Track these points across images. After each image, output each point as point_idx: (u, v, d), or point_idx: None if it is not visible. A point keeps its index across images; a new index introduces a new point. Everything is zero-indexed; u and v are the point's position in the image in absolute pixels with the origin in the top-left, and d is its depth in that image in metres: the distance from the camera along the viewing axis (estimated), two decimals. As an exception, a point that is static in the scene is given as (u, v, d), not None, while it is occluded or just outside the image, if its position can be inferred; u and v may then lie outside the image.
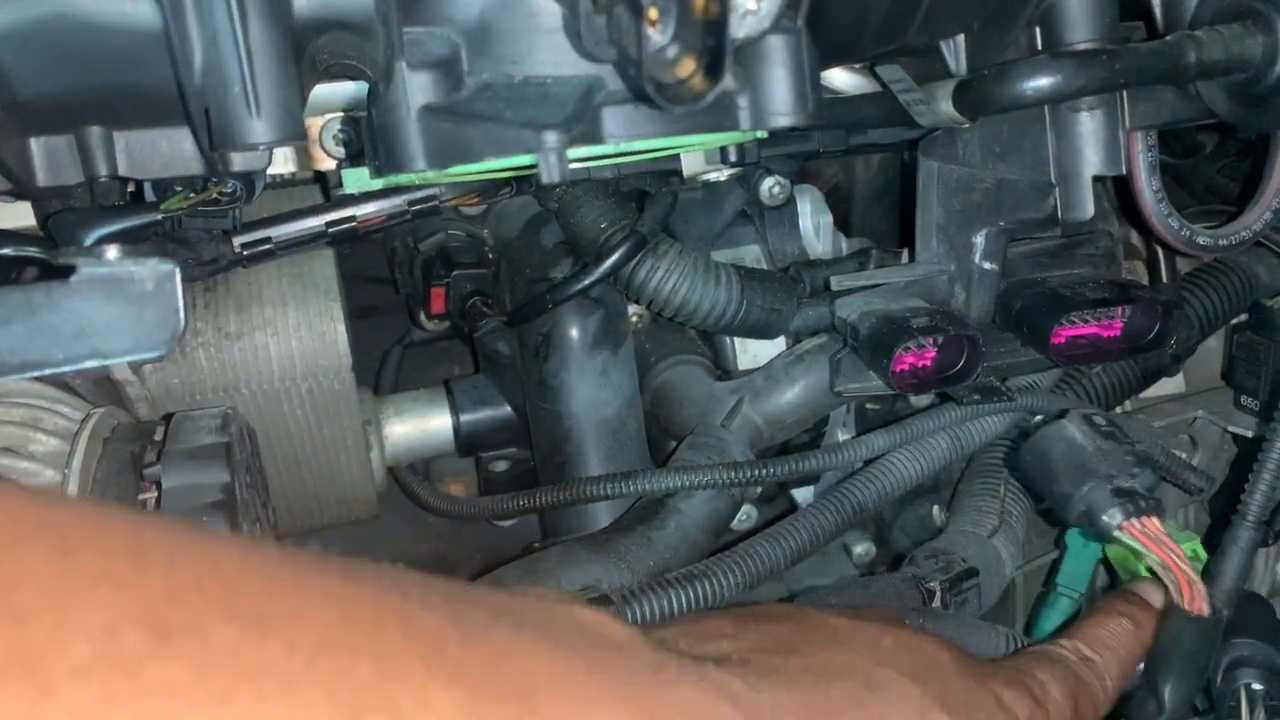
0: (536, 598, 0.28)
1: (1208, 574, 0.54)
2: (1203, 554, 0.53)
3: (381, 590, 0.23)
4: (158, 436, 0.44)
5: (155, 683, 0.18)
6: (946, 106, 0.51)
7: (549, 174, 0.39)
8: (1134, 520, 0.46)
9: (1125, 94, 0.51)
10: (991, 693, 0.37)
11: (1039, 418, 0.61)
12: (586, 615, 0.28)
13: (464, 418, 0.72)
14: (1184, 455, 0.68)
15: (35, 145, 0.43)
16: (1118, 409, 0.69)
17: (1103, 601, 0.49)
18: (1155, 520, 0.46)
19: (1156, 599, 0.49)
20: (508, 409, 0.72)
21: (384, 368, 0.79)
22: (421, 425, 0.72)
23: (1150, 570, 0.48)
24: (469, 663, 0.22)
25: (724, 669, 0.30)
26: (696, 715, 0.27)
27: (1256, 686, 0.59)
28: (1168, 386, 0.73)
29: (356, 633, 0.21)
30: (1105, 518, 0.46)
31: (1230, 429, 0.69)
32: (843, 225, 0.72)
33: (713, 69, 0.33)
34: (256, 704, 0.19)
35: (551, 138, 0.38)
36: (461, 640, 0.23)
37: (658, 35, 0.32)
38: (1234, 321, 0.70)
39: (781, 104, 0.39)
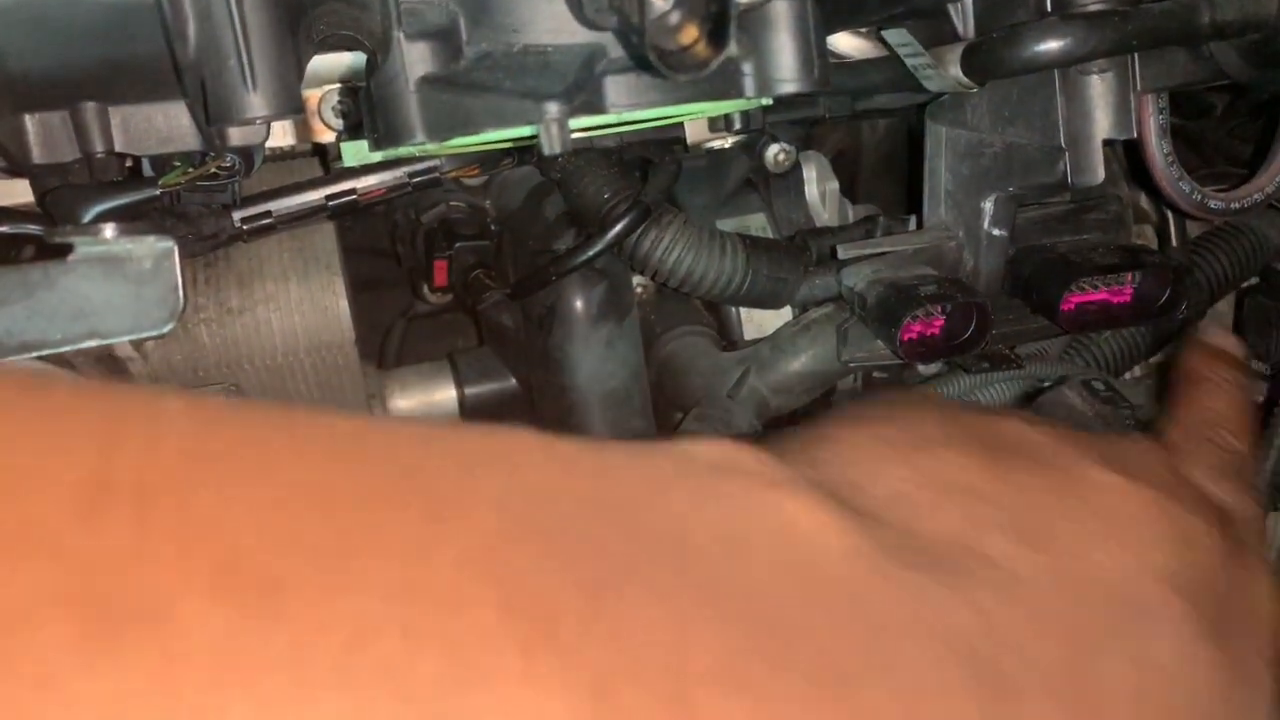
0: (718, 473, 0.21)
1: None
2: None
3: (471, 532, 0.17)
4: (161, 414, 0.44)
5: (87, 700, 0.13)
6: (955, 71, 0.50)
7: (550, 145, 0.38)
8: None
9: (1137, 56, 0.50)
10: (1247, 591, 0.30)
11: (1045, 384, 0.61)
12: (793, 514, 0.21)
13: (469, 391, 0.72)
14: (1193, 421, 0.68)
15: (29, 122, 0.43)
16: (1127, 375, 0.69)
17: (1190, 359, 0.42)
18: None
19: (1234, 346, 0.43)
20: (512, 381, 0.72)
21: (387, 341, 0.78)
22: (426, 399, 0.72)
23: None
24: (588, 643, 0.16)
25: (960, 584, 0.23)
26: (922, 694, 0.20)
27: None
28: (1177, 351, 0.72)
29: (423, 605, 0.15)
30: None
31: (1240, 394, 0.69)
32: (849, 192, 0.72)
33: (716, 35, 0.32)
34: None
35: (553, 108, 0.38)
36: (585, 600, 0.16)
37: (660, 1, 0.31)
38: (1244, 285, 0.70)
39: (787, 70, 0.39)
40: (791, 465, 0.23)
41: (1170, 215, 0.67)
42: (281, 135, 0.55)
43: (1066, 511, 0.27)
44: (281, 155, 0.60)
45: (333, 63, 0.50)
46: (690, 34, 0.32)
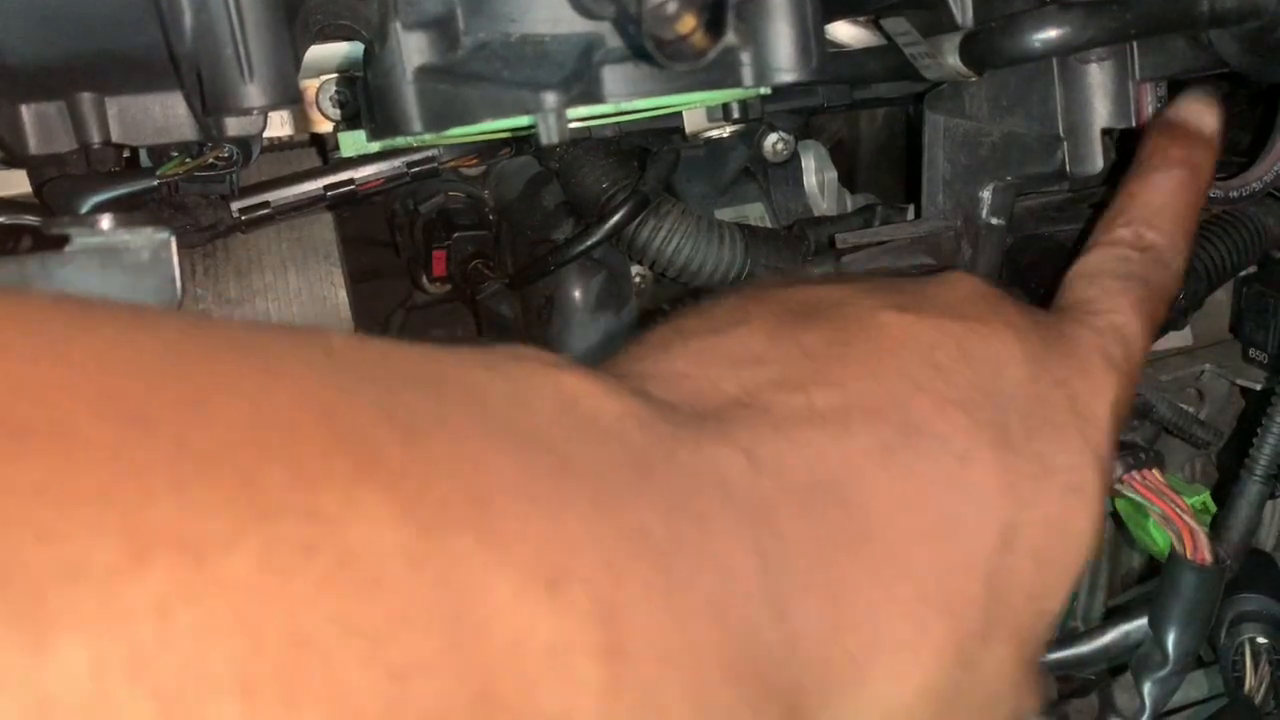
0: (511, 359, 0.24)
1: (1214, 528, 0.54)
2: (1212, 506, 0.53)
3: (303, 380, 0.19)
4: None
5: (15, 487, 0.15)
6: (953, 60, 0.50)
7: (548, 135, 0.38)
8: (1134, 473, 0.46)
9: (1135, 44, 0.50)
10: (1063, 389, 0.30)
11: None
12: (571, 385, 0.23)
13: (468, 381, 0.72)
14: (1191, 409, 0.68)
15: (26, 112, 0.42)
16: (1125, 364, 0.69)
17: (1149, 142, 0.40)
18: (1156, 472, 0.46)
19: (1209, 121, 0.41)
20: (511, 371, 0.72)
21: (386, 332, 0.78)
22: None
23: (1155, 523, 0.48)
24: (410, 466, 0.19)
25: (724, 433, 0.25)
26: (674, 520, 0.22)
27: (1261, 640, 0.59)
28: (1175, 340, 0.72)
29: (268, 431, 0.18)
30: (1109, 472, 0.46)
31: (1238, 382, 0.69)
32: (847, 181, 0.72)
33: (714, 25, 0.32)
34: (138, 507, 0.15)
35: (550, 98, 0.38)
36: (403, 439, 0.19)
37: (657, -9, 0.31)
38: (1243, 274, 0.70)
39: (785, 60, 0.38)
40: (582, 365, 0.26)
41: (1169, 204, 0.66)
42: (279, 125, 0.55)
43: (841, 355, 0.28)
44: (279, 145, 0.59)
45: (330, 52, 0.50)
46: (688, 23, 0.32)
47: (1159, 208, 0.38)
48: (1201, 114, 0.42)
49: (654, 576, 0.21)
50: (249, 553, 0.16)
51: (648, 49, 0.33)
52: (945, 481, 0.27)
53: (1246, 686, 0.58)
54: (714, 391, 0.27)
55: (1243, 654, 0.59)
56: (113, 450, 0.16)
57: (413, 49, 0.39)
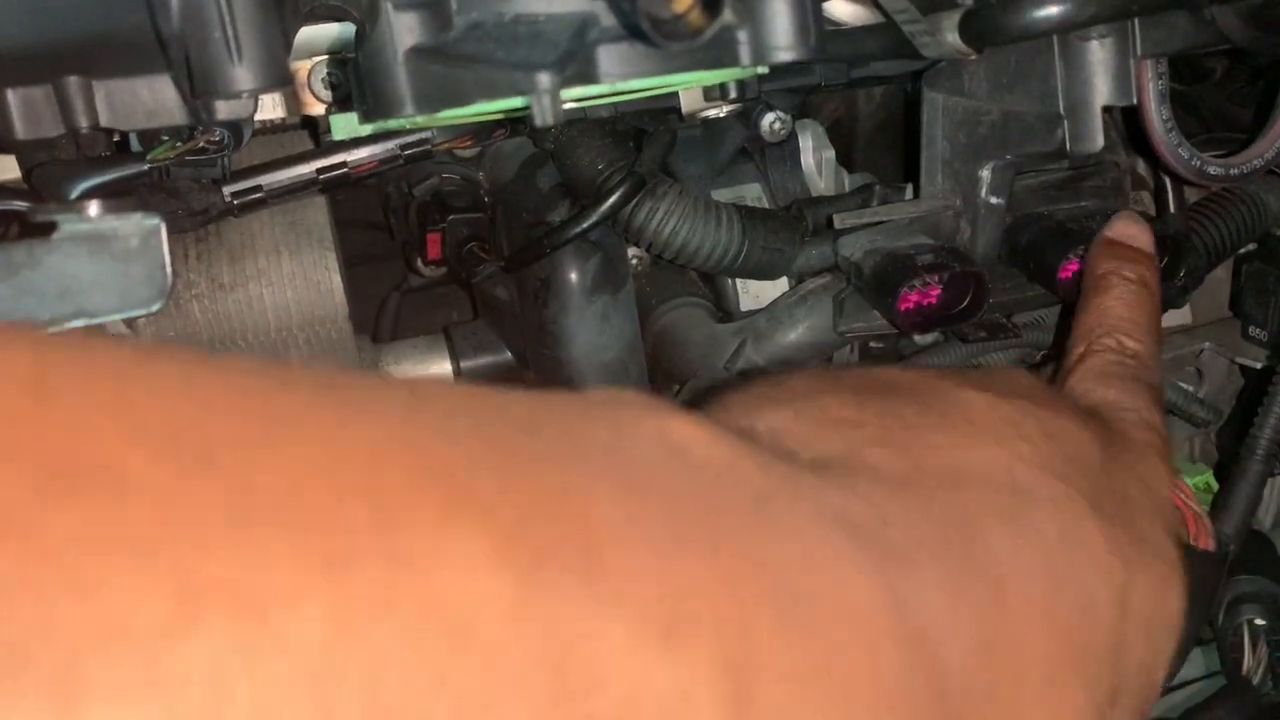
0: (611, 404, 0.22)
1: (1215, 508, 0.54)
2: (1215, 485, 0.53)
3: (384, 417, 0.18)
4: (153, 393, 0.43)
5: (51, 535, 0.13)
6: (952, 38, 0.49)
7: (542, 117, 0.37)
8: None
9: (1137, 21, 0.49)
10: (1133, 472, 0.31)
11: (1043, 353, 0.61)
12: (677, 430, 0.22)
13: (464, 364, 0.72)
14: (1190, 387, 0.68)
15: (12, 97, 0.42)
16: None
17: (1100, 263, 0.44)
18: None
19: (1145, 239, 0.44)
20: (508, 355, 0.72)
21: (382, 315, 0.78)
22: (422, 373, 0.72)
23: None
24: (506, 503, 0.17)
25: (843, 481, 0.24)
26: (807, 561, 0.21)
27: (1259, 622, 0.59)
28: (1174, 318, 0.72)
29: (343, 470, 0.16)
30: (1111, 455, 0.46)
31: (1238, 360, 0.69)
32: (845, 161, 0.71)
33: (711, 3, 0.32)
34: (191, 556, 0.14)
35: (544, 79, 0.37)
36: (497, 474, 0.17)
37: (653, -31, 0.31)
38: (1242, 251, 0.69)
39: (783, 38, 0.38)
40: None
41: (1169, 182, 0.66)
42: (271, 108, 0.55)
43: (936, 424, 0.28)
44: (271, 129, 0.59)
45: (321, 34, 0.49)
46: (684, 2, 0.31)
47: (1131, 320, 0.41)
48: (1138, 234, 0.45)
49: (785, 619, 0.19)
50: (318, 606, 0.14)
51: (643, 28, 0.32)
52: (1065, 542, 0.27)
53: (1244, 667, 0.58)
54: (821, 445, 0.26)
55: (1241, 635, 0.59)
56: (166, 493, 0.14)
57: (404, 29, 0.38)
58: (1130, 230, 0.46)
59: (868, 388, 0.29)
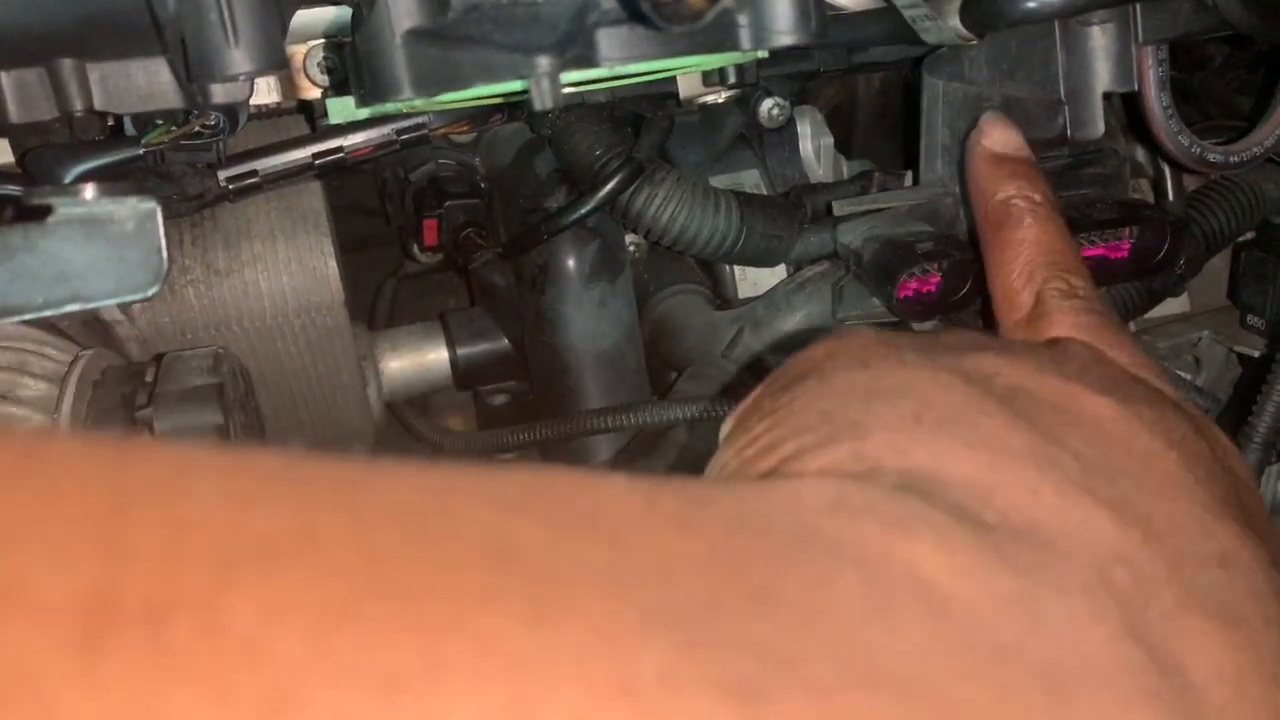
0: (840, 515, 0.19)
1: (1213, 496, 0.54)
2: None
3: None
4: (149, 378, 0.43)
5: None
6: (954, 22, 0.49)
7: (541, 100, 0.37)
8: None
9: (1138, 6, 0.49)
10: (1228, 458, 0.27)
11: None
12: (926, 563, 0.18)
13: (461, 351, 0.72)
14: (1188, 376, 0.68)
15: (5, 79, 0.41)
16: (1122, 331, 0.68)
17: (990, 184, 0.39)
18: None
19: (1024, 145, 0.41)
20: (505, 342, 0.72)
21: (378, 302, 0.78)
22: (418, 360, 0.72)
23: None
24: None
25: (1091, 580, 0.19)
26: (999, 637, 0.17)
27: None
28: (1172, 306, 0.72)
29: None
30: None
31: (1236, 349, 0.69)
32: (844, 147, 0.71)
33: (712, -14, 0.31)
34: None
35: (543, 62, 0.37)
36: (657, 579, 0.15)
37: (654, -50, 0.30)
38: (1241, 239, 0.69)
39: (784, 22, 0.38)
40: (880, 474, 0.21)
41: (1168, 169, 0.66)
42: (266, 92, 0.54)
43: (1114, 465, 0.24)
44: (266, 113, 0.58)
45: (317, 17, 0.49)
46: (685, -16, 0.31)
47: (1065, 251, 0.36)
48: (1018, 141, 0.41)
49: None
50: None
51: (644, 10, 0.32)
52: (1261, 587, 0.23)
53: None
54: (1029, 507, 0.21)
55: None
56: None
57: (402, 12, 0.38)
58: (1009, 138, 0.42)
59: (994, 401, 0.24)
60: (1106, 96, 0.50)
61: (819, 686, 0.15)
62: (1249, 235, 0.69)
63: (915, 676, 0.16)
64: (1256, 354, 0.67)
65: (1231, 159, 0.57)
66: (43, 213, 0.42)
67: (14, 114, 0.42)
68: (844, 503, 0.19)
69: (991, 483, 0.21)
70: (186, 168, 0.53)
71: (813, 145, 0.67)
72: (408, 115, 0.56)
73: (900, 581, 0.18)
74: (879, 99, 0.76)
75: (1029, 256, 0.36)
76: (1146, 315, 0.70)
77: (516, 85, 0.38)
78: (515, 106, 0.57)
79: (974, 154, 0.42)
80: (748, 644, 0.15)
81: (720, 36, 0.38)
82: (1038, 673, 0.17)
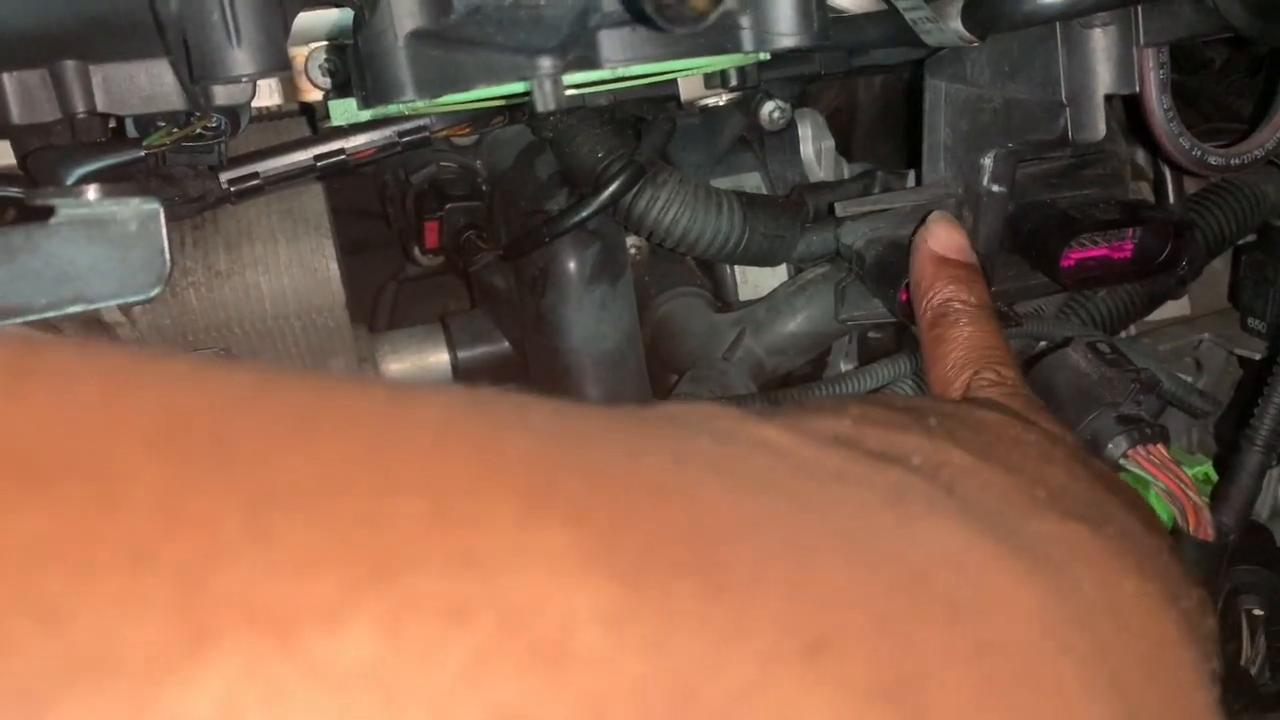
0: (697, 412, 0.20)
1: (1215, 498, 0.54)
2: (1214, 476, 0.53)
3: (441, 409, 0.15)
4: (150, 380, 0.43)
5: (10, 543, 0.11)
6: (955, 25, 0.49)
7: (543, 102, 0.37)
8: (1139, 448, 0.46)
9: (1140, 8, 0.49)
10: (1135, 504, 0.28)
11: (1043, 344, 0.61)
12: (773, 434, 0.19)
13: (462, 354, 0.71)
14: (1189, 378, 0.68)
15: (8, 81, 0.41)
16: (1123, 333, 0.69)
17: (930, 286, 0.42)
18: (1161, 447, 0.46)
19: (967, 245, 0.43)
20: (506, 344, 0.72)
21: (378, 304, 0.78)
22: (419, 362, 0.72)
23: (1157, 496, 0.48)
24: (598, 499, 0.14)
25: (959, 481, 0.21)
26: (962, 565, 0.18)
27: (1257, 612, 0.59)
28: (1173, 309, 0.72)
29: (395, 461, 0.13)
30: (1111, 446, 0.46)
31: (1236, 351, 0.69)
32: (845, 150, 0.71)
33: (715, -13, 0.31)
34: (197, 568, 0.11)
35: (545, 63, 0.37)
36: (584, 469, 0.15)
37: (657, -48, 0.30)
38: (1241, 242, 0.69)
39: (786, 24, 0.38)
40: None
41: (1168, 172, 0.66)
42: (268, 94, 0.54)
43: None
44: (268, 115, 0.58)
45: (319, 19, 0.49)
46: (687, -15, 0.31)
47: (996, 347, 0.39)
48: (959, 241, 0.44)
49: (949, 633, 0.17)
50: (367, 624, 0.11)
51: (646, 12, 0.32)
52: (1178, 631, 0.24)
53: (1243, 657, 0.58)
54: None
55: (1239, 625, 0.59)
56: (167, 494, 0.12)
57: (404, 13, 0.38)
58: (952, 238, 0.44)
59: (912, 405, 0.27)
60: (1108, 98, 0.50)
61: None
62: (1249, 238, 0.69)
63: (760, 481, 0.18)
64: (1257, 357, 0.67)
65: (1232, 162, 0.57)
66: (45, 214, 0.42)
67: (16, 115, 0.42)
68: (704, 407, 0.21)
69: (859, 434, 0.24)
70: (188, 170, 0.53)
71: (814, 148, 0.67)
72: (409, 117, 0.56)
73: (746, 435, 0.19)
74: (879, 102, 0.76)
75: (963, 352, 0.39)
76: (1147, 318, 0.70)
77: (519, 87, 0.38)
78: (517, 108, 0.57)
79: (919, 253, 0.45)
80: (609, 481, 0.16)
81: (722, 38, 0.38)
82: (880, 498, 0.19)
